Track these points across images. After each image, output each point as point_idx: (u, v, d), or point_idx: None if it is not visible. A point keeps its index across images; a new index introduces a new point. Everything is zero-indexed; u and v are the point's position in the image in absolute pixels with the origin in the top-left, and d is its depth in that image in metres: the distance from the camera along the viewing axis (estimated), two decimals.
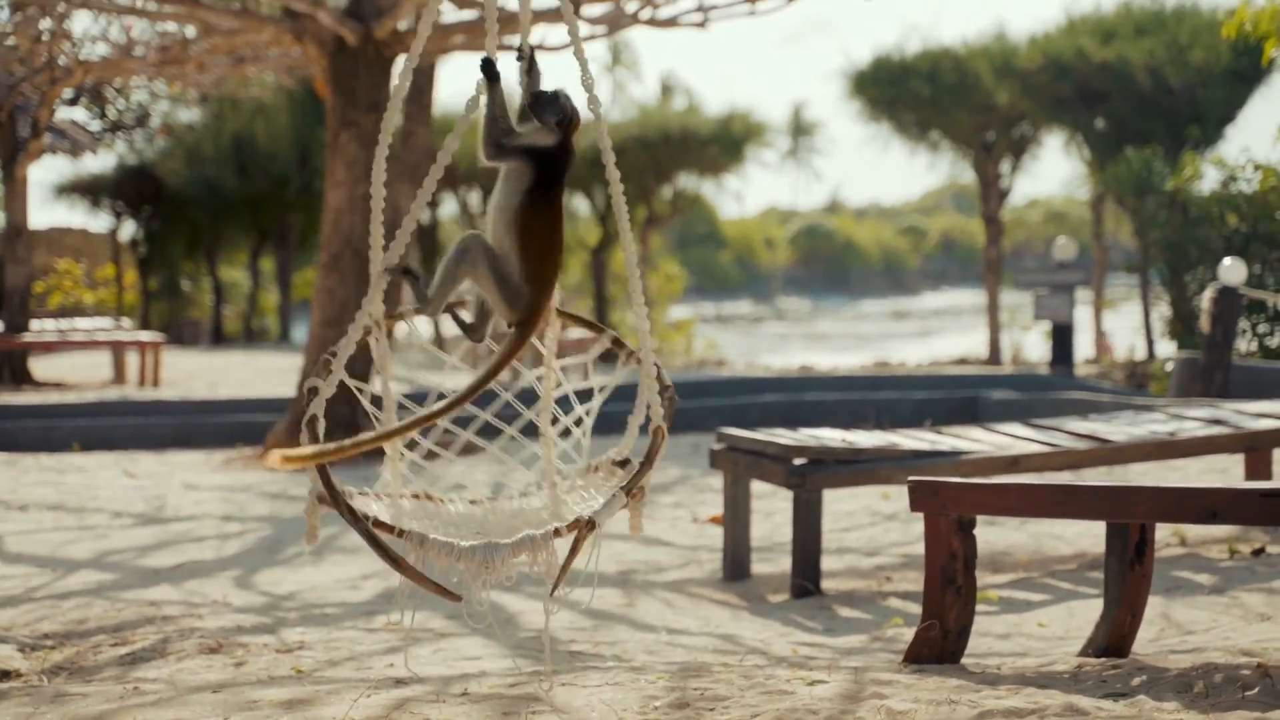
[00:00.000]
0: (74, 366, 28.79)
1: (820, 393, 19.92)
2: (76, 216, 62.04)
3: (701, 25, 18.66)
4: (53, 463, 15.85)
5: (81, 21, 24.56)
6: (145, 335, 26.00)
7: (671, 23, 18.68)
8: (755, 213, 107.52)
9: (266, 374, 26.85)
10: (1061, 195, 73.18)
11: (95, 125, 36.12)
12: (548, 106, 5.56)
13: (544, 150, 5.50)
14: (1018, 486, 5.99)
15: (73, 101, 33.76)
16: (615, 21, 18.31)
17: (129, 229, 43.22)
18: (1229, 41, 27.93)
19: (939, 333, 56.60)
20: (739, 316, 74.64)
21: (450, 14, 20.15)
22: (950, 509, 6.03)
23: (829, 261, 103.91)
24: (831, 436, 9.47)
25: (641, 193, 34.36)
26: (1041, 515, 6.10)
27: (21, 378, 25.14)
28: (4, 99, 24.49)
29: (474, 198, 38.86)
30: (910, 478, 6.21)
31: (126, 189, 41.77)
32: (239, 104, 38.86)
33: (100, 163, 41.07)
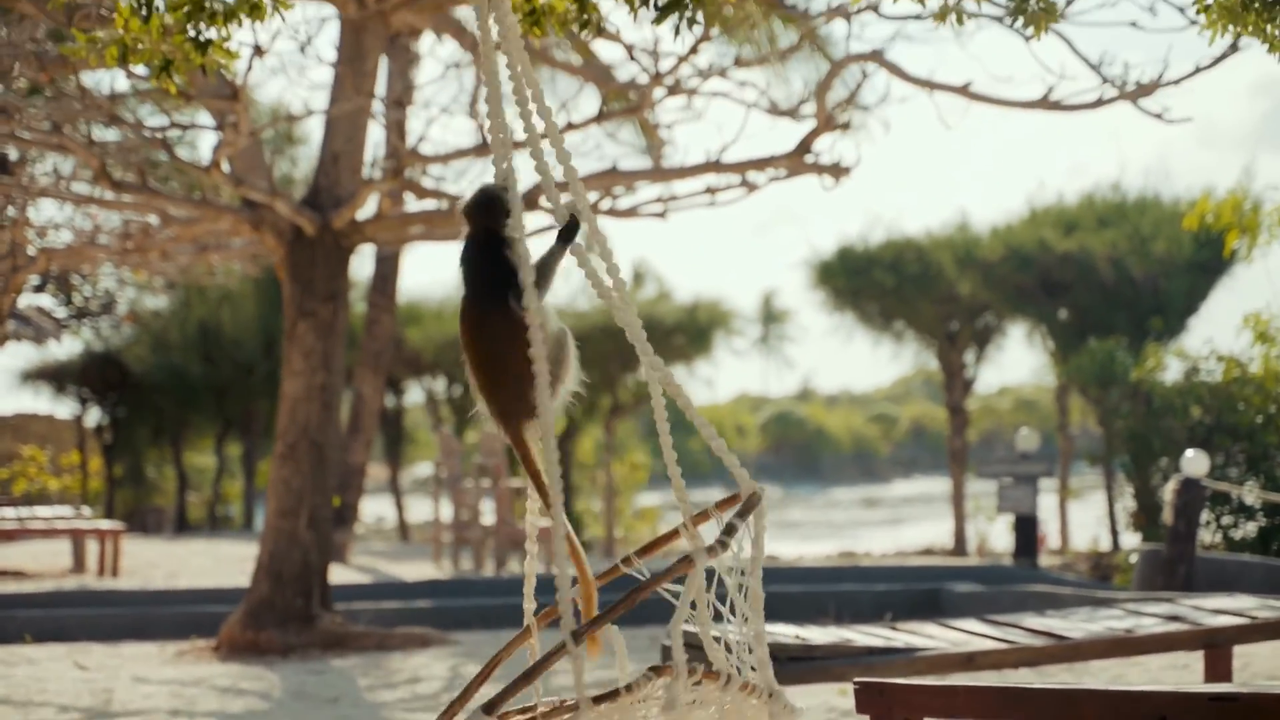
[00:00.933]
0: (34, 554, 28.50)
1: (781, 584, 19.75)
2: (42, 403, 61.85)
3: (661, 216, 18.75)
4: (3, 654, 15.60)
5: (45, 209, 24.51)
6: (105, 524, 25.74)
7: (632, 213, 18.78)
8: (727, 399, 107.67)
9: (226, 563, 26.60)
10: (1031, 383, 73.38)
11: (61, 312, 36.12)
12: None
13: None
14: (966, 688, 5.87)
15: (39, 288, 33.77)
16: None
17: (95, 415, 43.06)
18: (1191, 233, 28.20)
19: (909, 520, 56.41)
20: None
21: (412, 203, 20.24)
22: (898, 711, 5.91)
23: (800, 448, 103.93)
24: (785, 632, 9.31)
25: (606, 381, 34.32)
26: (990, 718, 5.96)
27: None
28: None
29: (439, 386, 38.84)
30: (857, 678, 6.08)
31: (92, 375, 41.66)
32: (205, 291, 38.89)
33: (66, 349, 41.00)
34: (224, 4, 7.99)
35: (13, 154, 22.98)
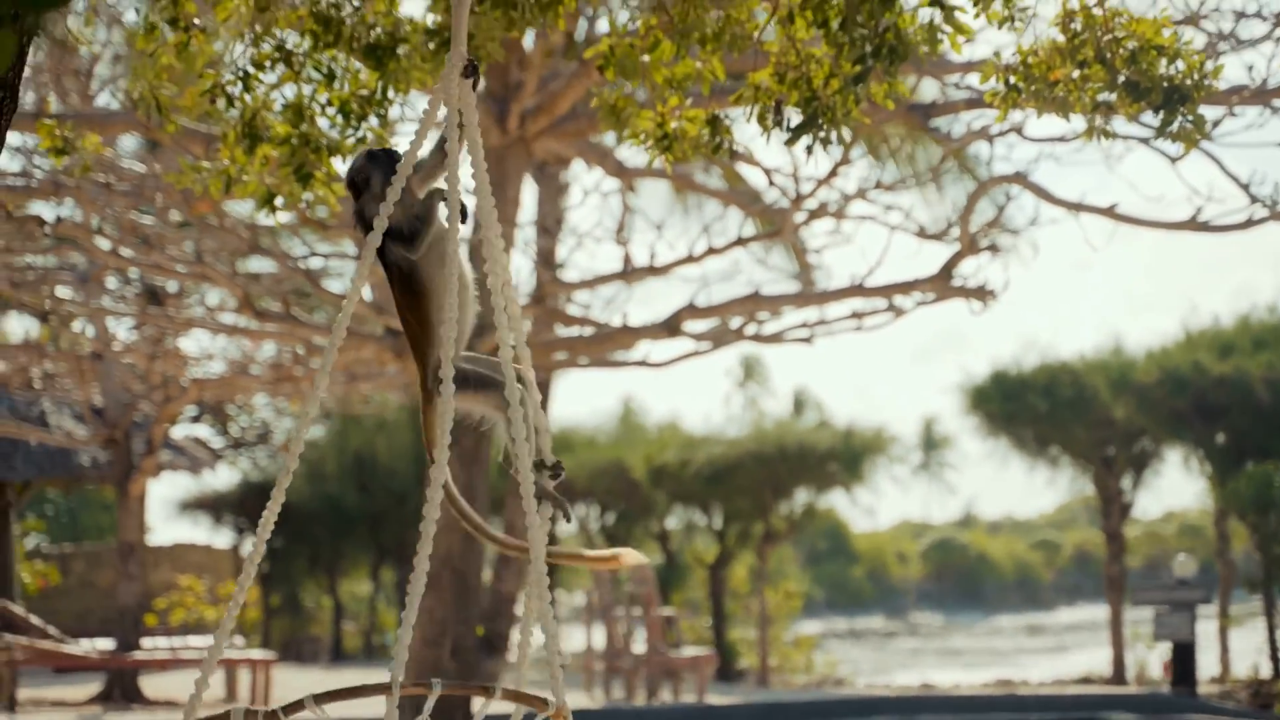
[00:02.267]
0: (187, 684, 28.62)
1: (933, 714, 19.41)
2: (200, 532, 62.60)
3: (807, 341, 18.63)
4: None
5: (197, 340, 24.85)
6: (256, 653, 25.84)
7: (777, 338, 18.67)
8: (888, 526, 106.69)
9: None
10: (1196, 508, 72.09)
11: (218, 441, 36.53)
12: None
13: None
14: None
15: (196, 418, 34.19)
16: (720, 338, 18.33)
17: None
18: None
19: (1073, 648, 55.47)
20: (871, 631, 73.62)
21: (559, 329, 20.26)
22: None
23: (962, 575, 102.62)
24: None
25: (759, 508, 34.08)
26: None
27: (132, 696, 25.03)
28: (120, 417, 24.79)
29: (591, 513, 38.74)
30: None
31: (249, 505, 42.00)
32: (361, 420, 39.18)
33: (224, 479, 41.44)
34: (329, 138, 8.05)
35: (171, 286, 23.37)
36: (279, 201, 8.33)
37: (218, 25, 8.27)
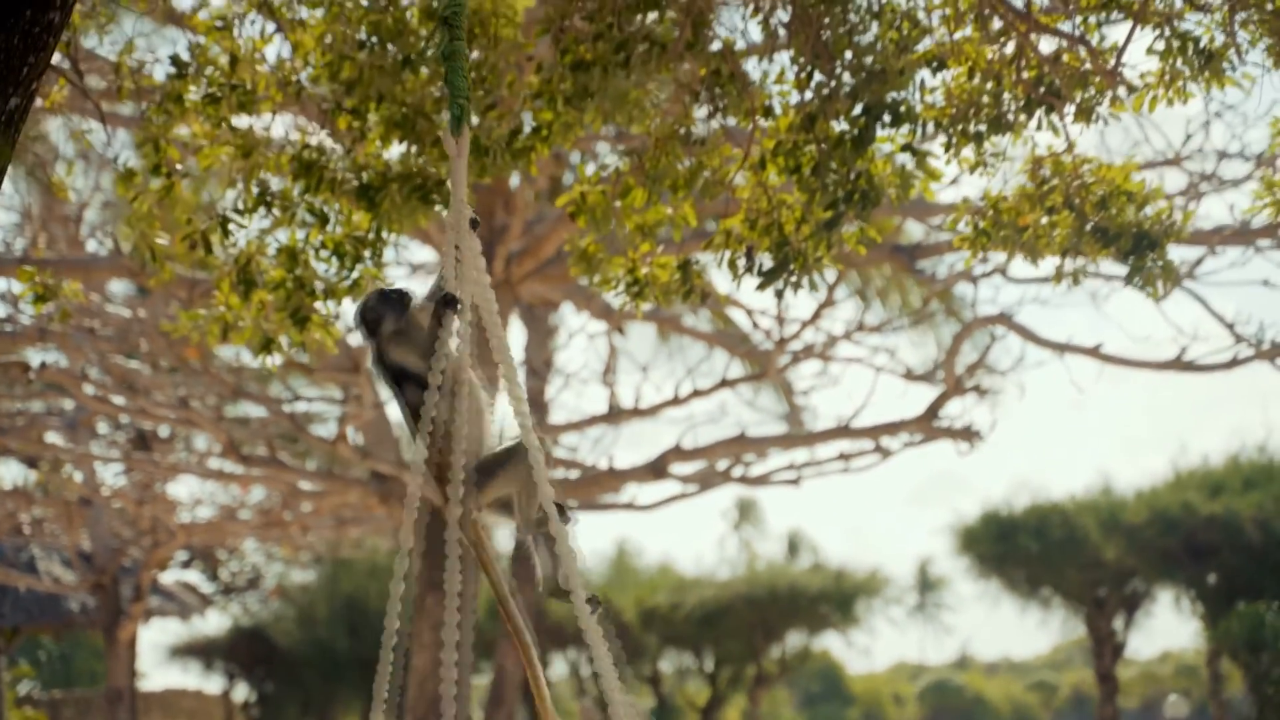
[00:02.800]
0: None
1: None
2: (191, 678, 62.14)
3: (795, 483, 18.63)
4: None
5: (187, 484, 24.86)
6: None
7: (764, 480, 18.68)
8: (884, 668, 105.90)
9: None
10: (1191, 649, 71.69)
11: (208, 587, 36.38)
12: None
13: None
14: None
15: (186, 564, 34.07)
16: (707, 480, 18.33)
17: (242, 690, 43.07)
18: None
19: None
20: None
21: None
22: None
23: (959, 717, 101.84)
24: None
25: (750, 651, 33.93)
26: None
27: None
28: (109, 562, 24.68)
29: (582, 657, 38.49)
30: None
31: (240, 650, 41.76)
32: (352, 565, 39.03)
33: (214, 624, 41.20)
34: (325, 281, 8.09)
35: (163, 431, 23.36)
36: (283, 343, 8.36)
37: (201, 171, 8.35)
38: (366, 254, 8.27)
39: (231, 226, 8.15)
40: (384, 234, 8.29)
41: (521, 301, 18.59)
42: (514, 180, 16.84)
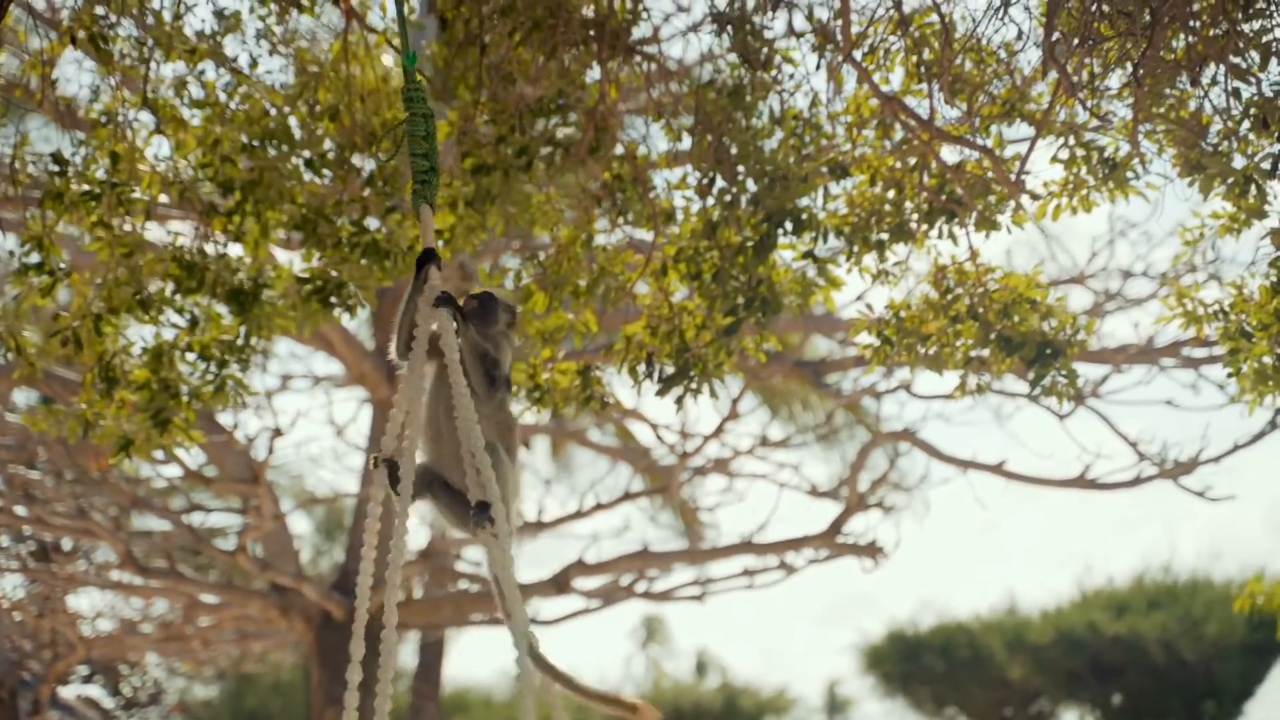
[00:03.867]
0: None
1: None
2: None
3: (699, 599, 18.50)
4: None
5: (88, 597, 24.44)
6: None
7: (668, 596, 18.53)
8: None
9: None
10: None
11: (109, 702, 35.77)
12: (495, 308, 5.55)
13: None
14: None
15: (88, 678, 33.49)
16: (610, 595, 18.18)
17: None
18: (1244, 615, 27.67)
19: None
20: None
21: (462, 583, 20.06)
22: None
23: None
24: None
25: None
26: None
27: None
28: (7, 675, 24.18)
29: None
30: None
31: None
32: (255, 680, 38.50)
33: None
34: (190, 385, 7.96)
35: (65, 543, 22.99)
36: (182, 446, 8.20)
37: (90, 270, 8.21)
38: (234, 359, 8.14)
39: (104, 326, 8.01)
40: (252, 340, 8.17)
41: None
42: None
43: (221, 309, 8.16)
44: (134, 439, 7.89)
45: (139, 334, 8.21)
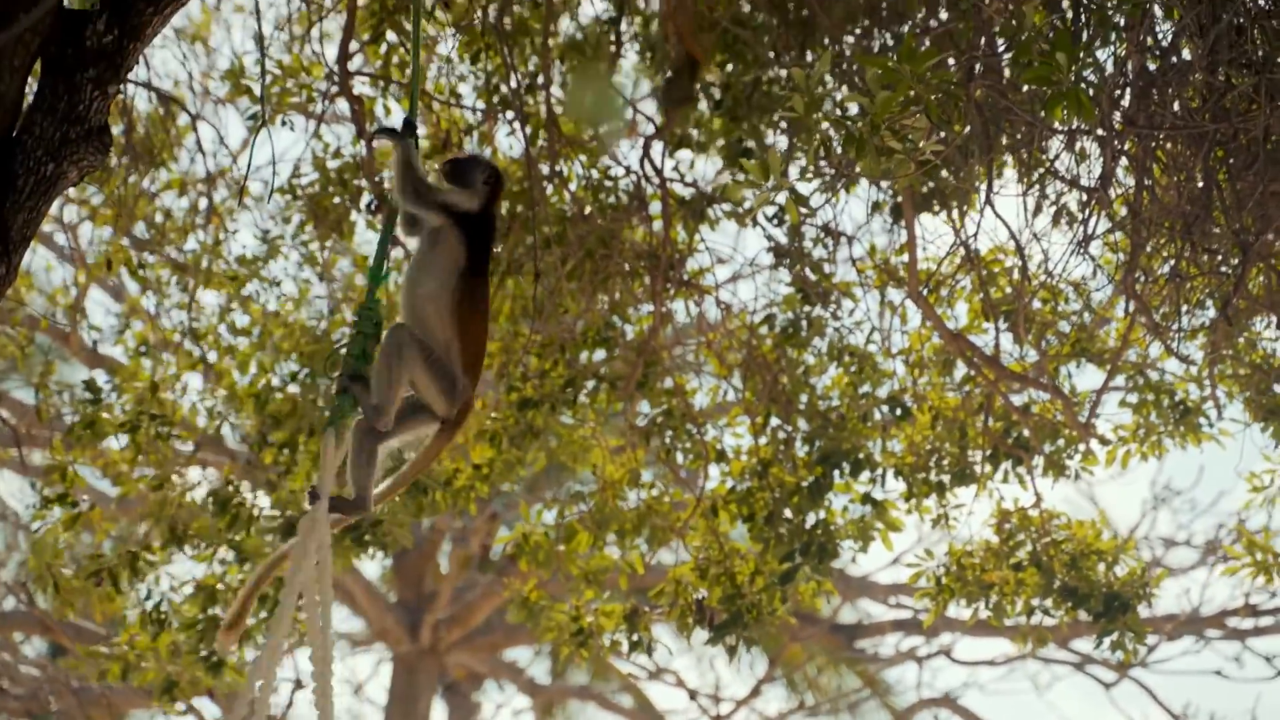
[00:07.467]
0: None
1: None
2: None
3: None
4: None
5: None
6: None
7: None
8: None
9: None
10: None
11: None
12: (471, 167, 5.05)
13: (471, 217, 4.94)
14: None
15: None
16: None
17: None
18: None
19: None
20: None
21: None
22: None
23: None
24: None
25: None
26: None
27: None
28: None
29: None
30: None
31: None
32: None
33: None
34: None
35: None
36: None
37: (115, 502, 7.96)
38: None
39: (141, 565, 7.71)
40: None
41: (446, 674, 18.00)
42: (444, 549, 16.52)
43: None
44: (178, 680, 7.52)
45: (187, 571, 7.94)
